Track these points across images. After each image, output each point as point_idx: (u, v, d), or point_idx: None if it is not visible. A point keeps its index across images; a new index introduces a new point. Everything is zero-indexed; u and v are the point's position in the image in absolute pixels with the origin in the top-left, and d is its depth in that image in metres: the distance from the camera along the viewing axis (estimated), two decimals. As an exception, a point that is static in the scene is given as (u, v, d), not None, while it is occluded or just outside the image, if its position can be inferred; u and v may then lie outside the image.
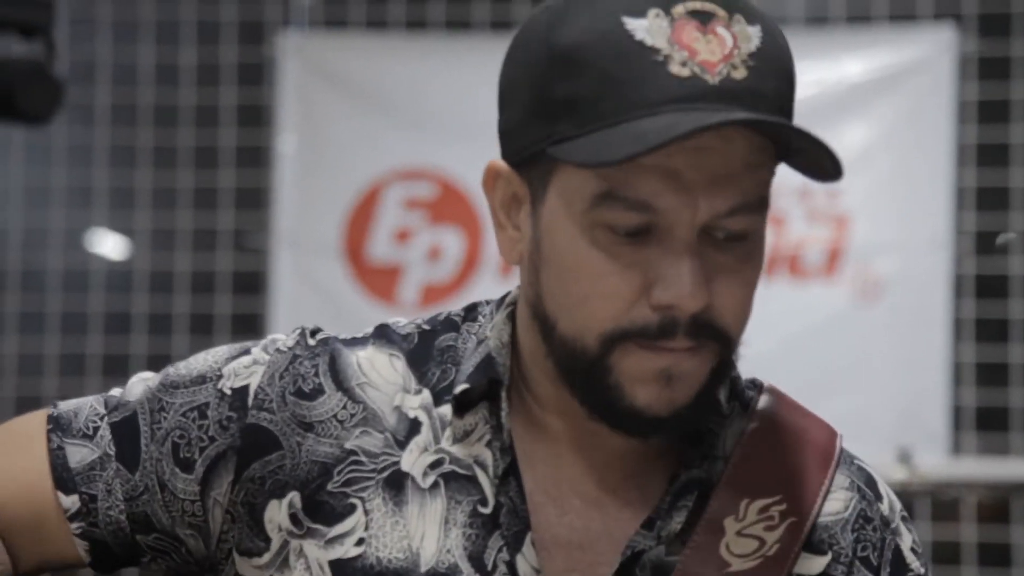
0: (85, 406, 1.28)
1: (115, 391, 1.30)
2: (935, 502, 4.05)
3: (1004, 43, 4.11)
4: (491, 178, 1.21)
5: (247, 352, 1.27)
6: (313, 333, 1.28)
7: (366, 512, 1.20)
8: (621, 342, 1.15)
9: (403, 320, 1.30)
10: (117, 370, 4.28)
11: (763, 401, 1.26)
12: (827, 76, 4.13)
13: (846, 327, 4.08)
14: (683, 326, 1.14)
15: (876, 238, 4.08)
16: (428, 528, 1.20)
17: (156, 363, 4.41)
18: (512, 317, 1.25)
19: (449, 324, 1.28)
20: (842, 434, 1.28)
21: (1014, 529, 4.08)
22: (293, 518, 1.21)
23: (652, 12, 1.13)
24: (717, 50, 1.12)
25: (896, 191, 4.11)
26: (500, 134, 1.22)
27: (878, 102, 4.12)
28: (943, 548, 4.06)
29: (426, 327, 1.28)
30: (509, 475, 1.20)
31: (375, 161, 4.30)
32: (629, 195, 1.13)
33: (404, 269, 4.28)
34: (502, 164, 1.21)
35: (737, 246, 1.16)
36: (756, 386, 1.28)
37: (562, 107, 1.14)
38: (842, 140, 4.11)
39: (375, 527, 1.20)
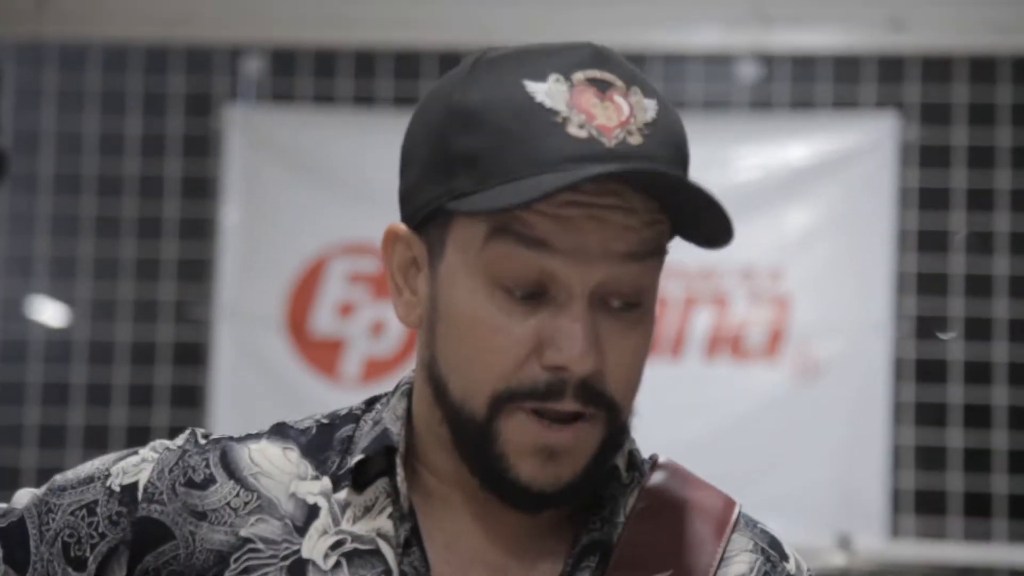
0: None
1: (1, 504, 1.29)
2: (873, 586, 4.05)
3: (944, 131, 4.17)
4: (389, 241, 1.22)
5: (135, 453, 1.27)
6: (205, 435, 1.28)
7: None
8: (509, 404, 1.15)
9: (301, 417, 1.30)
10: (55, 441, 4.24)
11: (655, 478, 1.26)
12: (771, 160, 4.18)
13: (786, 408, 4.09)
14: (571, 388, 1.15)
15: (817, 320, 4.11)
16: None
17: (95, 434, 4.35)
18: (407, 395, 1.25)
19: (350, 418, 1.28)
20: (741, 503, 1.28)
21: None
22: None
23: (552, 77, 1.15)
24: (614, 116, 1.14)
25: (837, 274, 4.14)
26: (400, 197, 1.23)
27: (821, 187, 4.16)
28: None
29: (324, 421, 1.29)
30: (412, 544, 1.20)
31: (319, 235, 4.30)
32: (525, 231, 1.14)
33: (347, 343, 4.27)
34: (401, 227, 1.21)
35: (629, 314, 1.17)
36: (651, 462, 1.28)
37: (460, 163, 1.15)
38: (785, 223, 4.15)
39: None
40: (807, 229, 4.15)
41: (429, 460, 1.23)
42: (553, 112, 1.14)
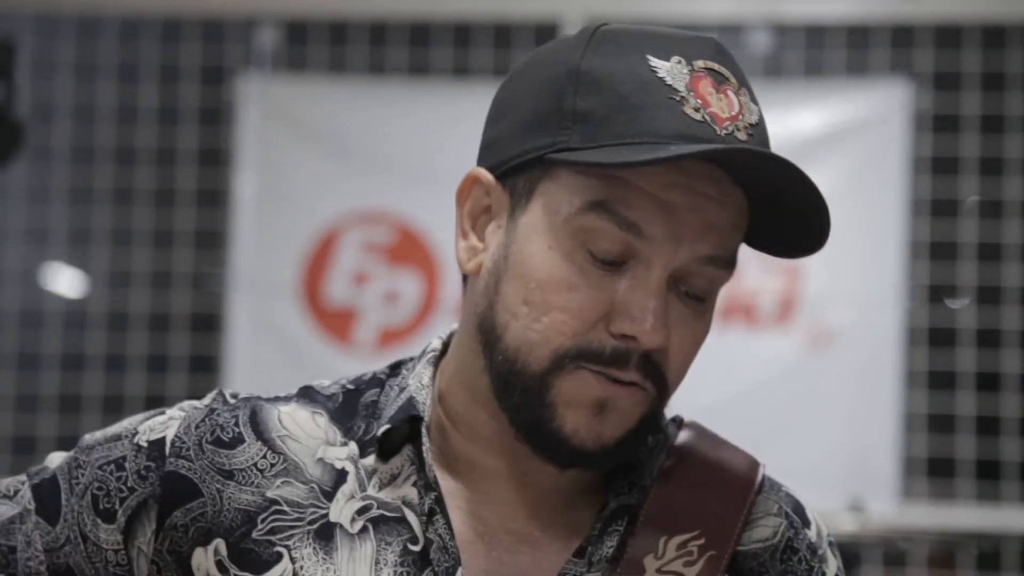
0: (7, 479, 1.32)
1: (35, 467, 1.32)
2: (886, 550, 4.07)
3: (956, 99, 4.17)
4: (468, 185, 1.24)
5: (161, 412, 1.30)
6: (233, 395, 1.30)
7: (292, 560, 1.22)
8: (572, 362, 1.17)
9: (327, 381, 1.32)
10: (72, 408, 4.27)
11: (681, 437, 1.29)
12: (783, 129, 4.17)
13: (799, 376, 4.11)
14: (636, 359, 1.18)
15: (829, 288, 4.12)
16: (359, 570, 1.21)
17: (111, 403, 4.36)
18: (434, 363, 1.28)
19: (374, 382, 1.30)
20: (765, 464, 1.30)
21: (962, 577, 4.11)
22: (219, 565, 1.23)
23: (675, 58, 1.18)
24: (726, 108, 1.18)
25: (849, 242, 4.15)
26: (487, 145, 1.24)
27: (833, 155, 4.16)
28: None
29: (350, 386, 1.30)
30: (436, 513, 1.22)
31: (333, 204, 4.31)
32: (622, 211, 1.16)
33: (361, 312, 4.29)
34: (484, 172, 1.23)
35: (696, 303, 1.20)
36: (676, 423, 1.31)
37: (573, 119, 1.17)
38: (797, 191, 4.16)
39: (305, 574, 1.21)
40: (819, 197, 4.15)
41: (460, 418, 1.24)
42: (672, 89, 1.17)
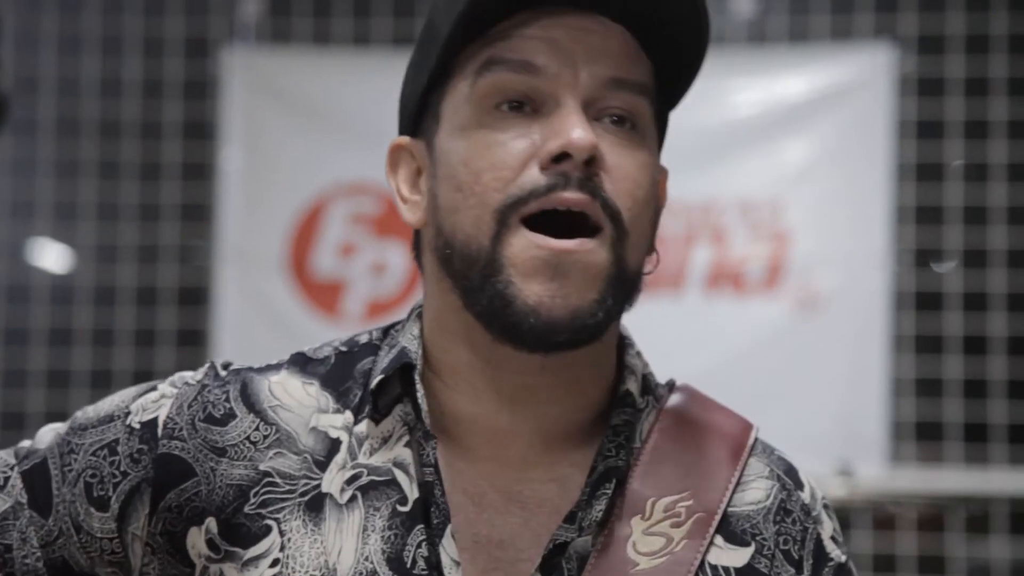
0: None
1: (25, 442, 1.30)
2: (875, 514, 4.09)
3: (941, 62, 4.17)
4: (394, 156, 1.27)
5: (154, 388, 1.28)
6: (225, 366, 1.29)
7: (281, 533, 1.21)
8: (512, 214, 1.17)
9: (319, 343, 1.32)
10: (60, 383, 4.27)
11: (672, 399, 1.28)
12: (768, 95, 4.18)
13: (787, 341, 4.11)
14: (575, 180, 1.17)
15: (816, 253, 4.12)
16: (345, 542, 1.21)
17: (99, 377, 4.35)
18: (420, 317, 1.28)
19: (369, 348, 1.30)
20: (758, 427, 1.30)
21: (949, 539, 4.12)
22: (210, 543, 1.22)
23: None
24: None
25: (836, 207, 4.16)
26: (399, 119, 1.29)
27: (818, 120, 4.16)
28: (881, 560, 4.10)
29: (343, 348, 1.30)
30: (431, 465, 1.22)
31: (319, 176, 4.30)
32: (510, 56, 1.18)
33: (348, 284, 4.29)
34: (402, 138, 1.27)
35: (627, 131, 1.20)
36: (668, 386, 1.30)
37: (427, 35, 1.24)
38: (783, 157, 4.16)
39: (292, 548, 1.21)
40: (805, 162, 4.16)
41: (443, 365, 1.24)
42: None
